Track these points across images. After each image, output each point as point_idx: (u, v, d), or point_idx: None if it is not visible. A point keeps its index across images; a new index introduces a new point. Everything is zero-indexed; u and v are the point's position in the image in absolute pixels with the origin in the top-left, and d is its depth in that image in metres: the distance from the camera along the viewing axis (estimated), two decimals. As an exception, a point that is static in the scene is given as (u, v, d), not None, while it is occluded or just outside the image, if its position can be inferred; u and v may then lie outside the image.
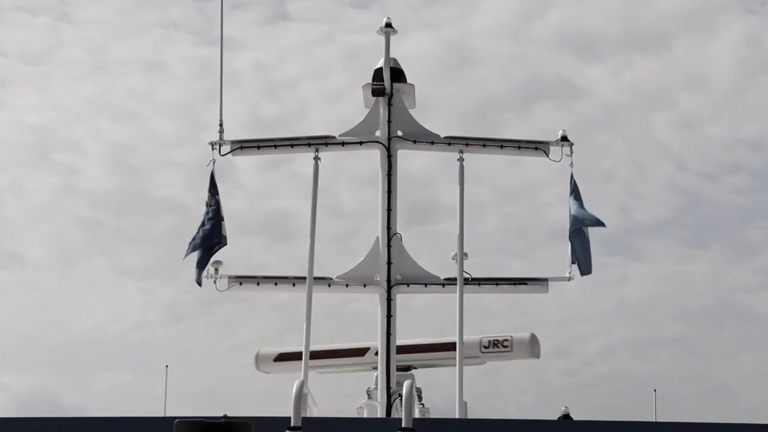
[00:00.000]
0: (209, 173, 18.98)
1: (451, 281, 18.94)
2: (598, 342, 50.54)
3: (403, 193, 19.61)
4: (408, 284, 19.08)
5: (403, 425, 13.41)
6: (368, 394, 20.10)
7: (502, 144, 19.56)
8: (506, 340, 22.03)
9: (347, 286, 19.13)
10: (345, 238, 40.45)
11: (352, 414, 19.91)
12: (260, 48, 55.39)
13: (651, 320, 50.58)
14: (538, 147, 19.51)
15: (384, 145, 19.41)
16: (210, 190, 18.89)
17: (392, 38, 19.52)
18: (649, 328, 50.32)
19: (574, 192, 18.98)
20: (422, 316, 27.65)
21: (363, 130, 19.53)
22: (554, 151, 19.43)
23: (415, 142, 19.50)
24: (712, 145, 56.39)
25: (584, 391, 44.50)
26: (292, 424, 13.32)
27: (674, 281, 52.82)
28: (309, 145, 19.28)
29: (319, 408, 18.64)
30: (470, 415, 18.15)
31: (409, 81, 19.83)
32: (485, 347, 21.99)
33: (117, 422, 14.41)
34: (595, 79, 55.59)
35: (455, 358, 17.70)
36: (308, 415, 15.13)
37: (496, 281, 19.44)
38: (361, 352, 21.85)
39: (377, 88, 19.51)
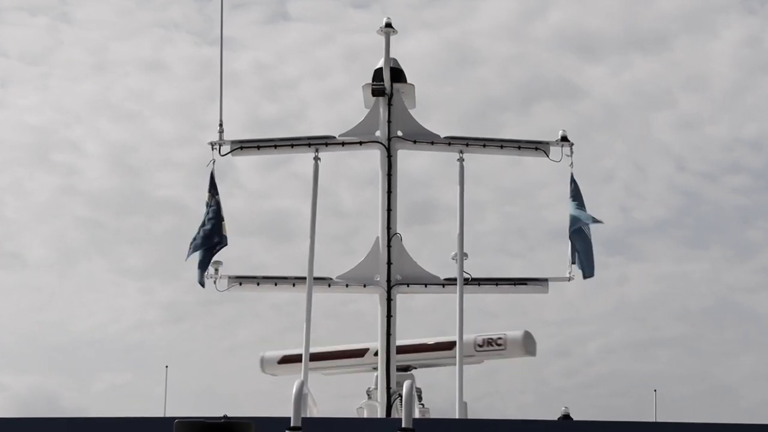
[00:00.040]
0: (209, 173, 18.96)
1: (451, 281, 18.93)
2: (598, 342, 50.62)
3: (403, 193, 19.61)
4: (408, 284, 19.06)
5: (403, 425, 13.41)
6: (368, 395, 20.09)
7: (502, 144, 19.55)
8: (500, 338, 22.05)
9: (347, 286, 19.12)
10: (345, 238, 40.52)
11: (352, 414, 19.90)
12: (260, 48, 55.44)
13: (651, 320, 50.63)
14: (538, 147, 19.50)
15: (384, 145, 19.39)
16: (210, 190, 18.87)
17: (392, 38, 19.49)
18: (649, 328, 50.38)
19: (574, 192, 18.97)
20: (422, 317, 27.70)
21: (363, 130, 19.51)
22: (554, 151, 19.42)
23: (415, 142, 19.48)
24: (712, 145, 56.41)
25: (584, 391, 44.57)
26: (292, 425, 13.33)
27: (674, 281, 52.86)
28: (309, 145, 19.27)
29: (319, 408, 18.65)
30: (470, 415, 18.15)
31: (409, 81, 19.80)
32: (479, 346, 21.99)
33: (117, 422, 14.41)
34: (595, 79, 55.61)
35: (450, 357, 17.69)
36: (308, 416, 15.14)
37: (496, 281, 19.43)
38: (360, 353, 21.85)
39: (377, 88, 19.49)
